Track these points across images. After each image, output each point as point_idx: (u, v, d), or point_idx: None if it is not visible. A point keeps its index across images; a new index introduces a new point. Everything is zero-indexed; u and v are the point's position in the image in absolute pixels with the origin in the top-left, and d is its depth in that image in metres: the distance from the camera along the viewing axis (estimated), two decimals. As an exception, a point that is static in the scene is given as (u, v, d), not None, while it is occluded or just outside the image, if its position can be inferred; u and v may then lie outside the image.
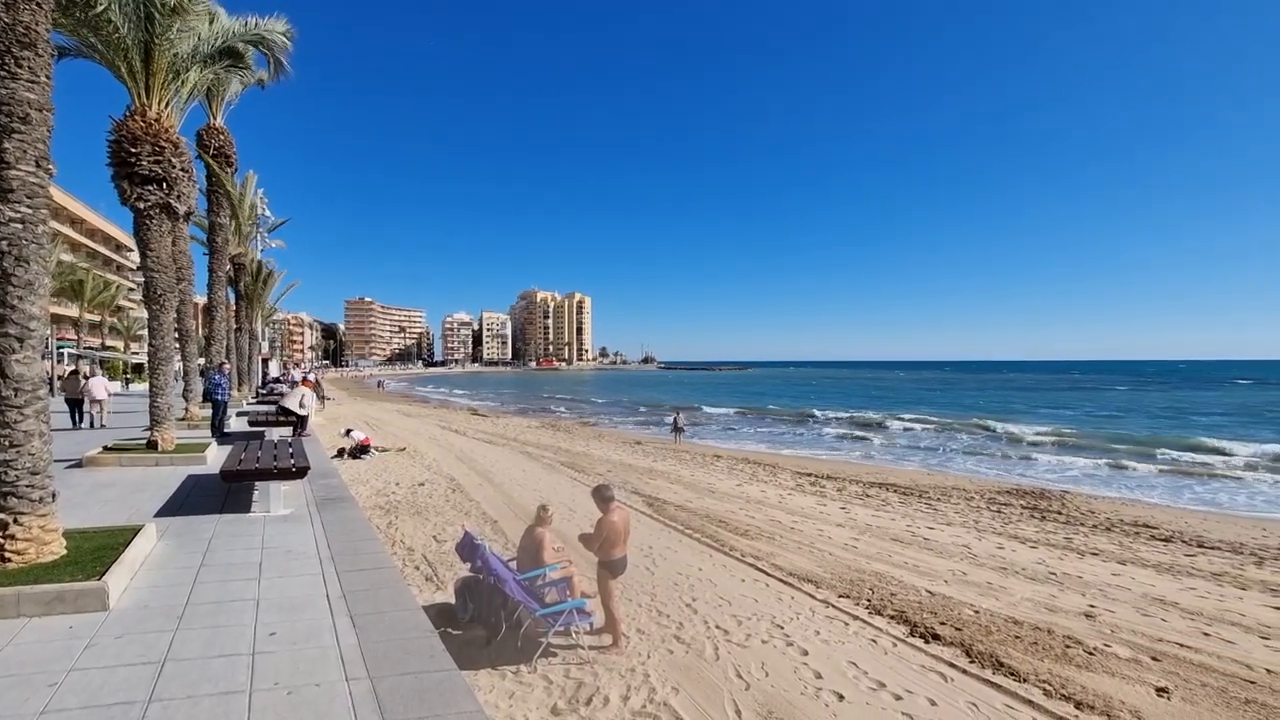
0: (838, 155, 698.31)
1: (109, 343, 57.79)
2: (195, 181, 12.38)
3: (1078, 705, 5.00)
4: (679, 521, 10.96)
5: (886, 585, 7.87)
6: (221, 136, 21.07)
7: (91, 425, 16.59)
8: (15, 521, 4.68)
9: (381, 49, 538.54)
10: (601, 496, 5.83)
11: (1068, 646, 6.12)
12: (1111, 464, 21.03)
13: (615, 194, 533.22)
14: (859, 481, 16.25)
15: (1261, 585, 8.40)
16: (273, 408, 16.40)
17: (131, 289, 63.97)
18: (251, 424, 15.12)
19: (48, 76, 4.99)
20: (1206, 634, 6.65)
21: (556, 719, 4.62)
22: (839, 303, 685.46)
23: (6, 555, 4.62)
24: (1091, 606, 7.36)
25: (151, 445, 10.95)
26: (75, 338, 49.95)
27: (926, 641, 6.14)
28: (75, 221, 58.68)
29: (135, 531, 5.48)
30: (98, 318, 54.59)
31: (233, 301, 30.71)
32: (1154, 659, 5.95)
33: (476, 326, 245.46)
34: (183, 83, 12.08)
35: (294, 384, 23.86)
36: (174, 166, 11.47)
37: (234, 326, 29.39)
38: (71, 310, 49.68)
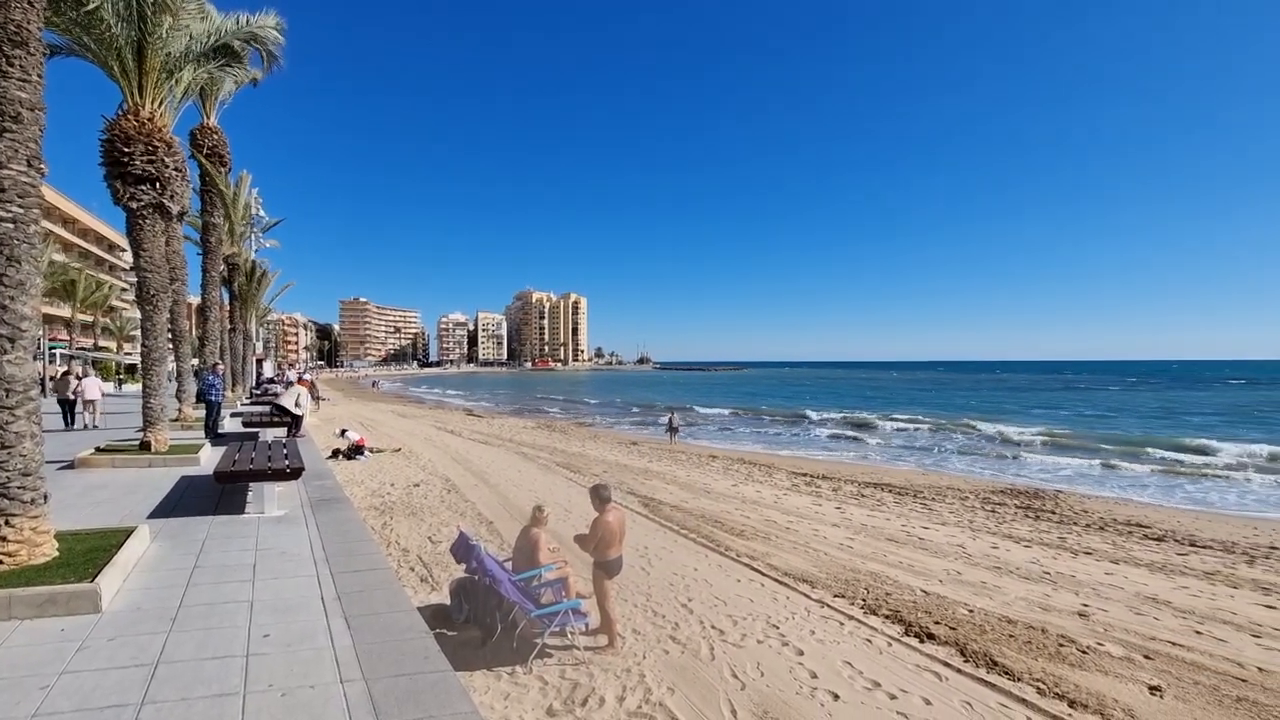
0: (838, 155, 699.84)
1: (102, 343, 57.55)
2: (189, 181, 12.35)
3: (1071, 704, 5.03)
4: (674, 522, 10.96)
5: (881, 585, 7.89)
6: (215, 136, 21.01)
7: (84, 426, 16.51)
8: (6, 523, 4.64)
9: (381, 49, 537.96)
10: (599, 496, 5.82)
11: (1061, 645, 6.15)
12: (1104, 464, 21.15)
13: (614, 194, 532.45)
14: (854, 481, 16.28)
15: (1253, 584, 8.46)
16: (267, 408, 16.37)
17: (124, 289, 63.72)
18: (245, 425, 15.10)
19: (39, 75, 4.96)
20: (1199, 632, 6.70)
21: (552, 719, 4.62)
22: (835, 303, 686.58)
23: (-2, 557, 4.58)
24: (1085, 605, 7.40)
25: (145, 446, 10.88)
26: (68, 338, 49.73)
27: (921, 641, 6.16)
28: (68, 221, 58.40)
29: (128, 533, 5.44)
30: (90, 318, 54.30)
31: (226, 302, 30.55)
32: (1147, 657, 5.99)
33: (472, 327, 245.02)
34: (176, 82, 12.06)
35: (289, 384, 23.80)
36: (167, 166, 11.42)
37: (228, 327, 29.21)
38: (64, 311, 49.43)
